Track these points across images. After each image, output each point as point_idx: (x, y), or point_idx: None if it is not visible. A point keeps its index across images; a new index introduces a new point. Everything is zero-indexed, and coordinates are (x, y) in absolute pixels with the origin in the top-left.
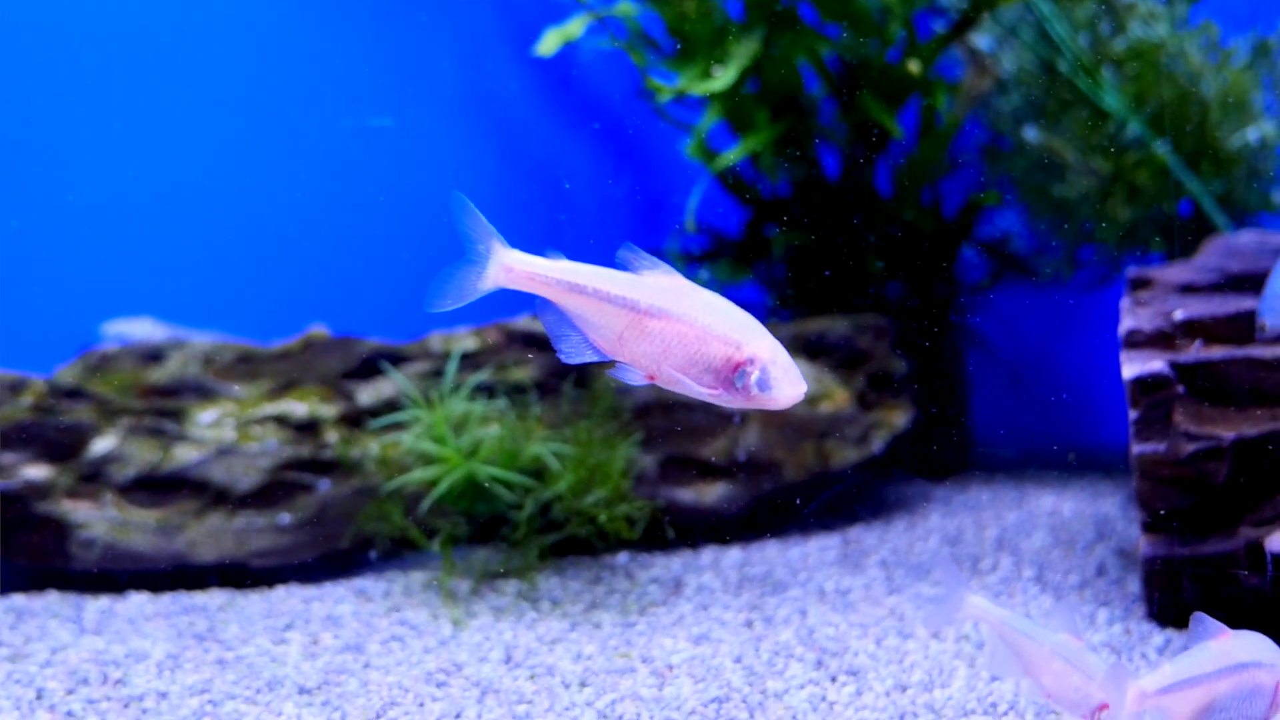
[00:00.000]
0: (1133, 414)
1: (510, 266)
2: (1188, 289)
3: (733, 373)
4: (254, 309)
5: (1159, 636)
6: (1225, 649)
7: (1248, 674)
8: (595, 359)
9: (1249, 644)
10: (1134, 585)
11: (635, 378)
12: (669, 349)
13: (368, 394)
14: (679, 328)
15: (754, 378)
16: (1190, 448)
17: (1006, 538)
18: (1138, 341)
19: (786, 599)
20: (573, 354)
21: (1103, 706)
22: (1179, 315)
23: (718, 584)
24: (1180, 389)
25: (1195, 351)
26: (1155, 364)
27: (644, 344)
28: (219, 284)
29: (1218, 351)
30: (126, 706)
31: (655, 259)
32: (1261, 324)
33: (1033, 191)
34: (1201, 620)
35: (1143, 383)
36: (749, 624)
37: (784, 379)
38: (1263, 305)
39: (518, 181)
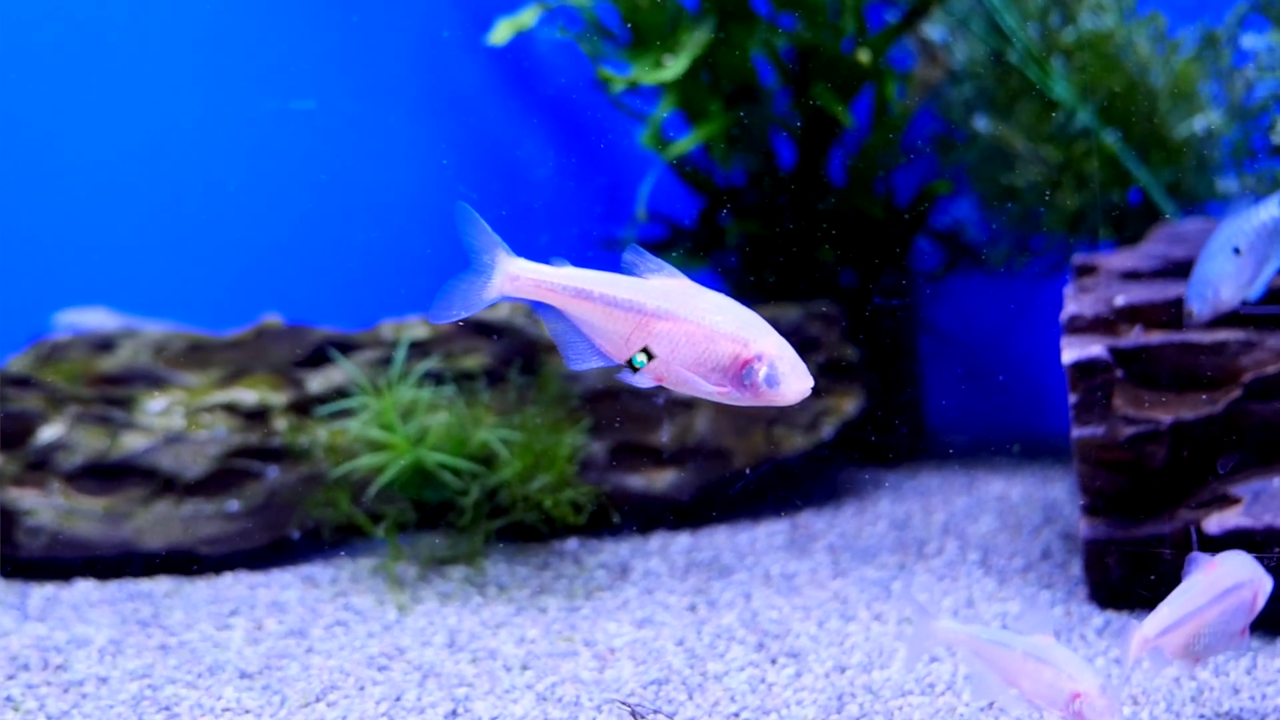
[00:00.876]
0: (1072, 398)
1: (516, 275)
2: (1131, 275)
3: (740, 370)
4: (210, 299)
5: (1099, 618)
6: (1212, 579)
7: (1232, 596)
8: (602, 364)
9: (1233, 567)
10: (1078, 568)
11: (643, 381)
12: (677, 350)
13: (318, 382)
14: (686, 328)
15: (762, 374)
16: (1129, 431)
17: (954, 522)
18: (1079, 327)
19: (732, 583)
20: (579, 360)
21: (1075, 695)
22: (1120, 301)
23: (664, 569)
24: (1119, 373)
25: (1135, 336)
26: (1094, 348)
27: (652, 346)
28: (175, 274)
29: (1156, 336)
30: (66, 691)
31: (660, 261)
32: (1189, 311)
33: (985, 181)
34: (1195, 560)
35: (1081, 367)
36: (693, 608)
37: (791, 374)
38: (1189, 293)
39: (471, 171)
